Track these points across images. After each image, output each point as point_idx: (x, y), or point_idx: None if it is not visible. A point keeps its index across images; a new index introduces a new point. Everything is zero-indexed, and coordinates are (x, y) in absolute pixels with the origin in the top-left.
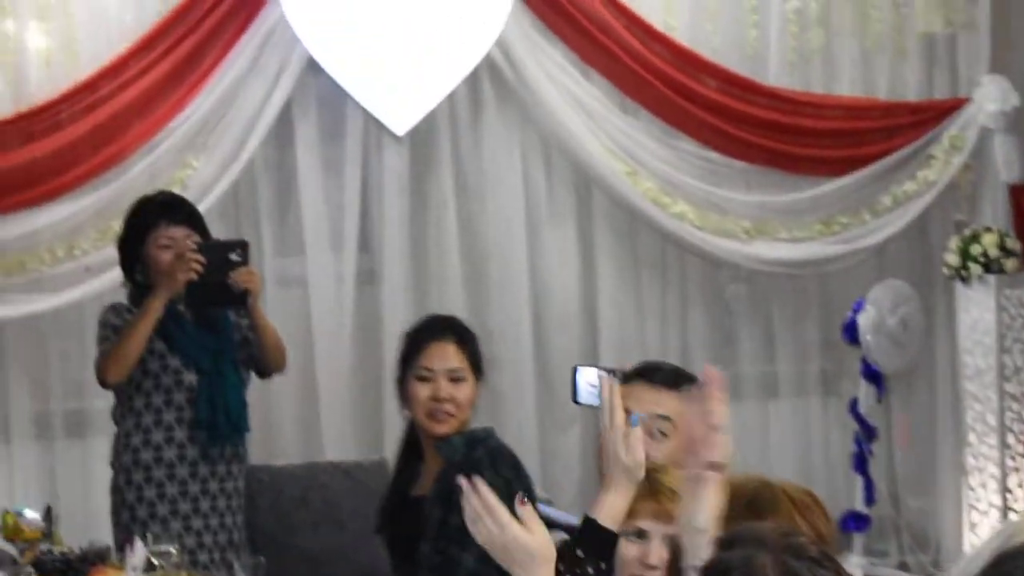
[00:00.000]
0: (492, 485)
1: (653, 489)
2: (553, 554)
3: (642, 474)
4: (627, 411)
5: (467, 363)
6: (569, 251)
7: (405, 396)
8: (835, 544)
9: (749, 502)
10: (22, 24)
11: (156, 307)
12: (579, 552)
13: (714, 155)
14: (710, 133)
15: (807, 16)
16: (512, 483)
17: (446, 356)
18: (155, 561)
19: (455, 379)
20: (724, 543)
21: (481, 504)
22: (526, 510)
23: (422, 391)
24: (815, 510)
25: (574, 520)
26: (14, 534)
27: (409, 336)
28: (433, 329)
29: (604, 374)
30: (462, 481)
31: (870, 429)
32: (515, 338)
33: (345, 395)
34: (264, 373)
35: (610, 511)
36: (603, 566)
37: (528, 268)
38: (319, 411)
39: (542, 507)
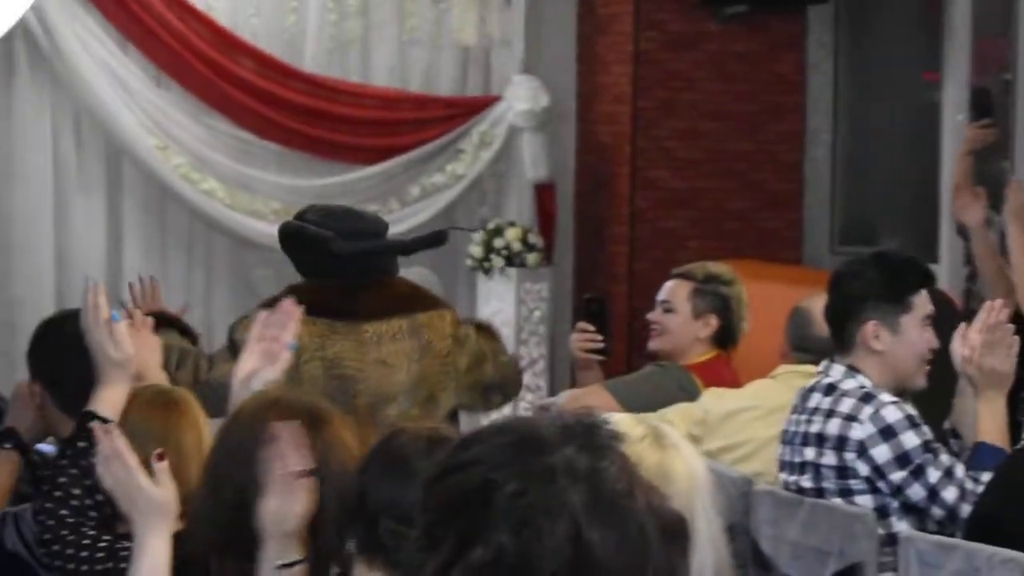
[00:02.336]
0: None
1: None
2: (174, 512)
3: (133, 367)
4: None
5: None
6: (97, 222)
7: None
8: None
9: None
10: None
11: None
12: (80, 443)
13: (247, 135)
14: (244, 114)
15: (346, 5)
16: None
17: None
18: None
19: None
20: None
21: (112, 448)
22: (161, 467)
23: None
24: None
25: None
26: None
27: None
28: None
29: (91, 281)
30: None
31: None
32: (37, 305)
33: None
34: None
35: (109, 403)
36: None
37: (53, 236)
38: None
39: None
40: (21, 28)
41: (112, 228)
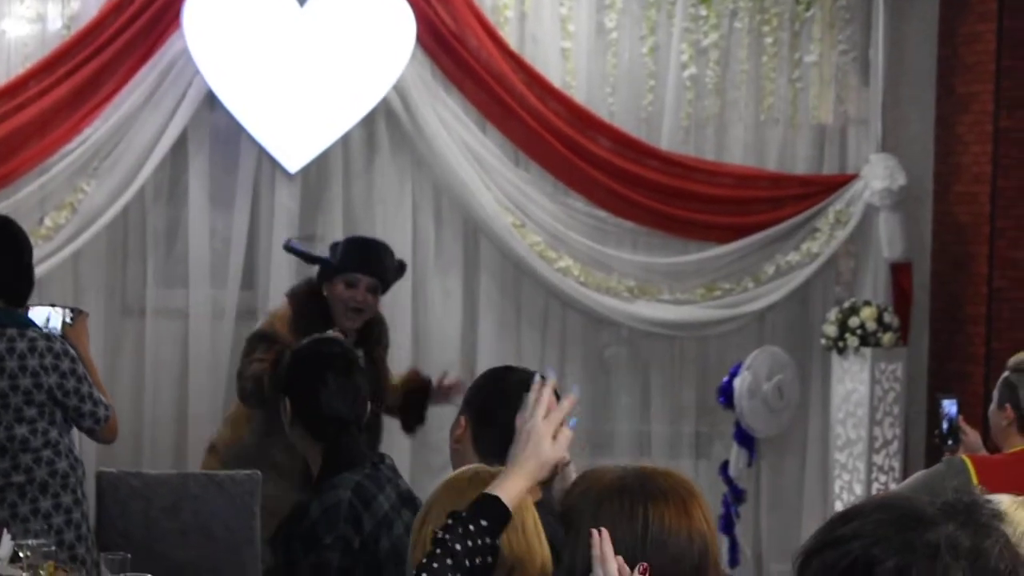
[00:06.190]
0: None
1: None
2: (547, 472)
3: (548, 473)
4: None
5: None
6: (453, 300)
7: None
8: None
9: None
10: None
11: None
12: (483, 522)
13: (602, 213)
14: (600, 192)
15: (703, 85)
16: None
17: None
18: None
19: None
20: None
21: (545, 400)
22: (565, 435)
23: None
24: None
25: None
26: None
27: None
28: None
29: (539, 376)
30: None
31: (738, 492)
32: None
33: (217, 417)
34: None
35: (511, 494)
36: (491, 542)
37: (411, 314)
38: (188, 427)
39: None
40: (384, 108)
41: (468, 305)
